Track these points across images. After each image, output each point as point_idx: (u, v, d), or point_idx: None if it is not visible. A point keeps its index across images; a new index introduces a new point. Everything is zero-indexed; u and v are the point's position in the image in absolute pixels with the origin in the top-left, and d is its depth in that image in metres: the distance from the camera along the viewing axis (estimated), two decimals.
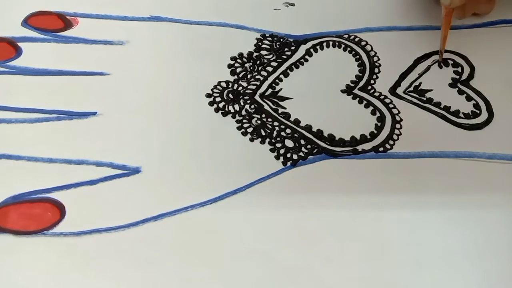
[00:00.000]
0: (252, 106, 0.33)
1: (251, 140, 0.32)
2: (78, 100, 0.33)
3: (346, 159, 0.32)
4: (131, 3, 0.37)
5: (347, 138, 0.32)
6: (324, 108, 0.33)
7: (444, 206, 0.30)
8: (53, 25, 0.36)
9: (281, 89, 0.34)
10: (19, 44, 0.35)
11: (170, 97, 0.34)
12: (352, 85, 0.34)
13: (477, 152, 0.32)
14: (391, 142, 0.32)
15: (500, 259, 0.28)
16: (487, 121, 0.33)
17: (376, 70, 0.35)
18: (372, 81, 0.35)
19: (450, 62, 0.35)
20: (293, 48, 0.36)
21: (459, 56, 0.35)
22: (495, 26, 0.37)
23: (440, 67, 0.34)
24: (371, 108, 0.33)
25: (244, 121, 0.33)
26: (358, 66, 0.35)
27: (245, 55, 0.36)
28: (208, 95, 0.34)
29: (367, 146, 0.32)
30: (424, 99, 0.34)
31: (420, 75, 0.35)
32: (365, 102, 0.34)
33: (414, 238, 0.29)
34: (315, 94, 0.34)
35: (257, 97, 0.34)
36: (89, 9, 0.37)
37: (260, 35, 0.36)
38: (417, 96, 0.34)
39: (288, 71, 0.35)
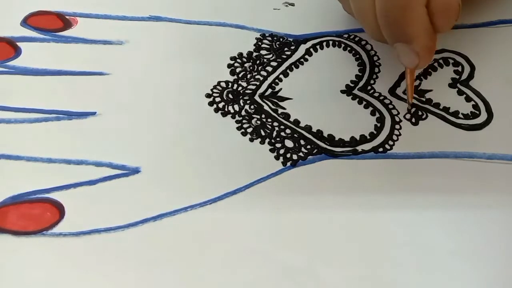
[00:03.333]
0: (252, 107, 0.33)
1: (251, 140, 0.32)
2: (77, 100, 0.33)
3: (346, 160, 0.32)
4: (131, 3, 0.37)
5: (347, 139, 0.32)
6: (324, 109, 0.33)
7: (444, 206, 0.30)
8: (53, 25, 0.36)
9: (280, 89, 0.34)
10: (18, 44, 0.35)
11: (170, 97, 0.34)
12: (352, 85, 0.34)
13: (477, 152, 0.32)
14: (390, 142, 0.32)
15: (500, 259, 0.28)
16: (487, 122, 0.33)
17: (376, 70, 0.35)
18: (372, 81, 0.34)
19: (451, 61, 0.35)
20: (293, 47, 0.36)
21: (460, 56, 0.35)
22: (495, 26, 0.37)
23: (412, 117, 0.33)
24: (370, 108, 0.33)
25: (244, 121, 0.33)
26: (358, 65, 0.35)
27: (244, 55, 0.35)
28: (208, 95, 0.34)
29: (366, 146, 0.32)
30: (424, 99, 0.34)
31: (419, 76, 0.35)
32: (364, 102, 0.34)
33: (414, 238, 0.29)
34: (315, 95, 0.34)
35: (256, 97, 0.34)
36: (89, 9, 0.37)
37: (260, 35, 0.36)
38: (416, 96, 0.34)
39: (288, 71, 0.35)
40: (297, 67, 0.35)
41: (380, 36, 0.31)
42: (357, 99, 0.34)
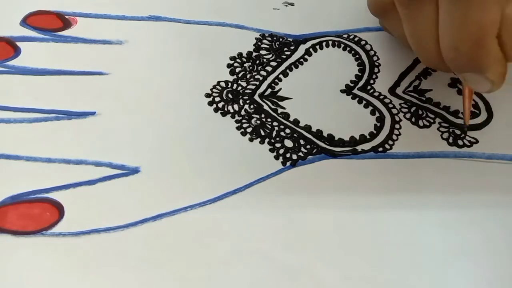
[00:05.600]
0: (252, 106, 0.33)
1: (251, 140, 0.32)
2: (76, 100, 0.33)
3: (346, 159, 0.32)
4: (130, 2, 0.37)
5: (347, 138, 0.32)
6: (323, 108, 0.33)
7: (444, 206, 0.30)
8: (52, 24, 0.36)
9: (280, 89, 0.34)
10: (18, 43, 0.35)
11: (169, 97, 0.34)
12: (352, 85, 0.34)
13: (476, 152, 0.32)
14: (390, 142, 0.32)
15: (500, 259, 0.28)
16: (486, 122, 0.33)
17: (376, 70, 0.35)
18: (371, 81, 0.34)
19: None
20: (292, 47, 0.36)
21: None
22: None
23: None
24: (370, 108, 0.33)
25: (244, 121, 0.33)
26: (358, 65, 0.35)
27: (244, 54, 0.35)
28: (208, 95, 0.34)
29: (366, 146, 0.32)
30: (424, 99, 0.34)
31: (419, 75, 0.35)
32: (364, 102, 0.34)
33: (414, 238, 0.29)
34: (314, 94, 0.34)
35: (256, 97, 0.34)
36: (88, 9, 0.37)
37: (260, 35, 0.36)
38: (416, 95, 0.34)
39: (288, 71, 0.35)
40: (296, 67, 0.35)
41: (440, 65, 0.29)
42: (357, 99, 0.34)
